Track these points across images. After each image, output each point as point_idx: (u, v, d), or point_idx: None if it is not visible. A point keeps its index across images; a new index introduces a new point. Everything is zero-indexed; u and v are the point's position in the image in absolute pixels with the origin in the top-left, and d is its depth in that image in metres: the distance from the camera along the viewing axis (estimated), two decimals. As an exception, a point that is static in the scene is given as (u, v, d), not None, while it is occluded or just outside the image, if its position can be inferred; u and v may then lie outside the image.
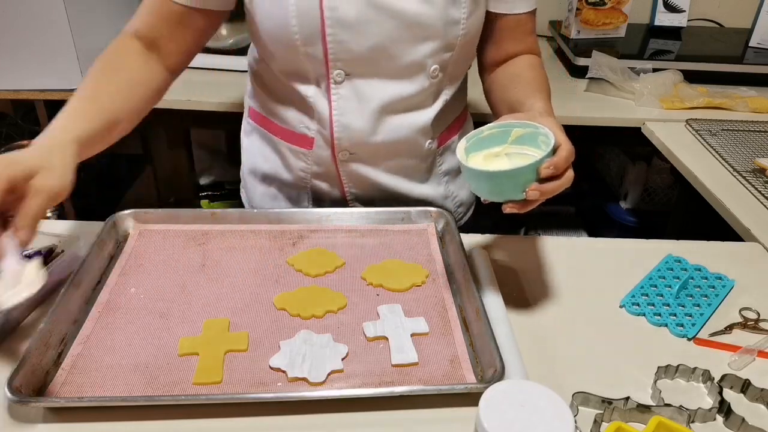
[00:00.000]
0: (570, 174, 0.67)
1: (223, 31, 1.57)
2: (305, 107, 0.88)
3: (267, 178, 1.00)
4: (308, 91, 0.86)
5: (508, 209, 0.68)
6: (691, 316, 0.77)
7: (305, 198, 0.97)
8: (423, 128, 0.90)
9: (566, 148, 0.66)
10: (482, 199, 0.70)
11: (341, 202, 0.96)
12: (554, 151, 0.65)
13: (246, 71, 0.99)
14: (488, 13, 0.87)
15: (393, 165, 0.92)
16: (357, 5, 0.78)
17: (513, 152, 0.70)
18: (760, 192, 1.06)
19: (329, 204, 0.96)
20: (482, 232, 0.94)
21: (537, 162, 0.64)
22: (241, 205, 1.09)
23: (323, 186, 0.95)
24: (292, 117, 0.91)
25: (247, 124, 1.03)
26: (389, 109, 0.86)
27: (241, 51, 1.52)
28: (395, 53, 0.82)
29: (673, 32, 1.84)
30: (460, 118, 0.99)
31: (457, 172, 1.00)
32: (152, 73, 0.86)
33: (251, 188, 1.04)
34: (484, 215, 1.10)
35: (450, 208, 1.00)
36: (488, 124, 0.70)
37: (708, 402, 0.66)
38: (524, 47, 0.92)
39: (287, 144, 0.93)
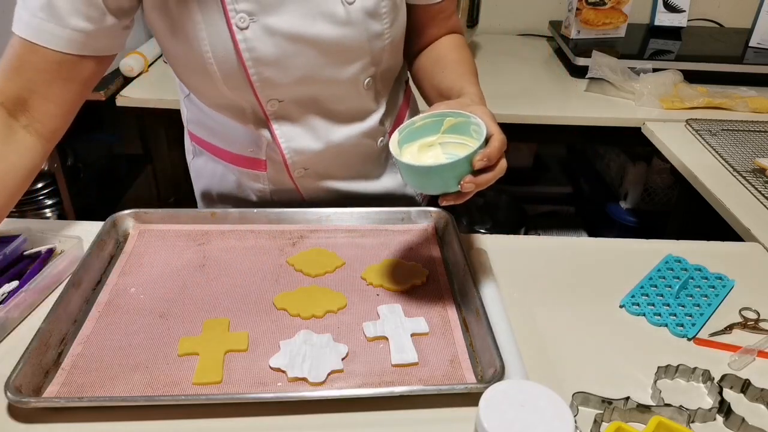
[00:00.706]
0: (503, 164, 0.66)
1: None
2: (249, 136, 0.86)
3: (224, 199, 0.97)
4: (247, 123, 0.84)
5: (444, 202, 0.67)
6: (691, 316, 0.77)
7: None
8: (372, 131, 0.89)
9: (498, 139, 0.65)
10: (417, 193, 0.70)
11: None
12: (486, 141, 0.65)
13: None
14: (409, 6, 0.84)
15: (349, 171, 0.92)
16: (275, 42, 0.74)
17: (447, 141, 0.70)
18: (760, 192, 1.06)
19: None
20: (482, 232, 0.94)
21: (470, 155, 0.63)
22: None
23: (285, 201, 0.94)
24: (238, 144, 0.88)
25: (191, 146, 0.99)
26: (334, 126, 0.86)
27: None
28: (324, 79, 0.79)
29: (673, 32, 1.84)
30: (402, 108, 0.98)
31: None
32: (16, 157, 0.72)
33: None
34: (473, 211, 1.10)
35: (412, 194, 1.00)
36: (421, 114, 0.70)
37: (708, 402, 0.66)
38: (446, 30, 0.90)
39: (239, 168, 0.91)
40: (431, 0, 0.85)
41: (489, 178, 0.65)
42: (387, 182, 0.97)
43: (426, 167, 0.65)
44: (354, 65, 0.80)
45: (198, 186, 1.01)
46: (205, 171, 0.98)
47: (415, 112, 1.02)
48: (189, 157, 1.01)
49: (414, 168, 0.66)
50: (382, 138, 0.92)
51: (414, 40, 0.90)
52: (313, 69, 0.78)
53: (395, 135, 0.68)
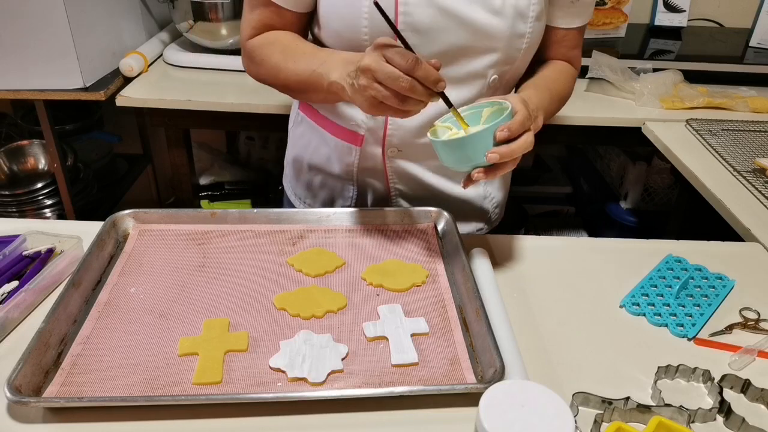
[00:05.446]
0: (527, 138, 0.70)
1: (223, 30, 1.57)
2: None
3: (313, 169, 1.01)
4: None
5: (476, 175, 0.70)
6: (691, 316, 0.77)
7: (350, 190, 0.99)
8: None
9: (521, 114, 0.70)
10: (494, 206, 0.72)
11: (385, 197, 0.97)
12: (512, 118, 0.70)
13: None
14: None
15: (438, 164, 0.93)
16: (431, 12, 0.79)
17: None
18: (760, 192, 1.06)
19: (373, 198, 0.98)
20: (482, 233, 0.94)
21: (492, 126, 0.68)
22: (249, 205, 1.08)
23: (369, 181, 0.96)
24: (346, 114, 0.92)
25: (296, 114, 1.04)
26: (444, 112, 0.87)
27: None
28: (460, 61, 0.83)
29: (673, 32, 1.84)
30: None
31: None
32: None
33: (294, 177, 1.07)
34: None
35: (488, 208, 1.01)
36: (462, 108, 0.75)
37: (708, 402, 0.66)
38: (562, 58, 0.93)
39: (336, 139, 0.94)
40: (559, 24, 0.89)
41: (512, 150, 0.69)
42: (469, 190, 0.98)
43: (454, 140, 0.71)
44: (489, 56, 0.83)
45: (291, 153, 1.07)
46: (301, 141, 1.02)
47: None
48: (290, 124, 1.07)
49: (443, 143, 0.71)
50: None
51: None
52: (453, 48, 0.82)
53: (436, 124, 0.75)
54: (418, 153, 0.92)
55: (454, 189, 0.97)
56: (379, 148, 0.91)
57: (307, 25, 0.91)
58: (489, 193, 1.01)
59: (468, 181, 0.72)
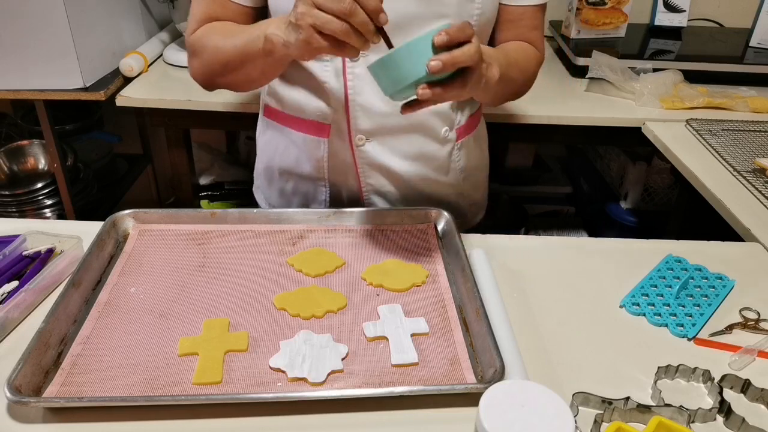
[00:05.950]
0: (471, 47, 0.66)
1: (223, 31, 1.57)
2: (321, 92, 0.89)
3: (284, 174, 1.00)
4: (324, 73, 0.87)
5: (421, 91, 0.66)
6: (691, 316, 0.77)
7: (322, 193, 0.98)
8: (440, 111, 0.90)
9: (461, 23, 0.66)
10: (400, 107, 0.70)
11: (357, 197, 0.97)
12: None
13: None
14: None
15: (409, 150, 0.93)
16: None
17: None
18: (760, 192, 1.06)
19: (345, 200, 0.97)
20: (482, 232, 0.94)
21: (430, 33, 0.64)
22: (250, 206, 1.09)
23: (341, 179, 0.95)
24: (309, 106, 0.91)
25: (262, 122, 1.04)
26: None
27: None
28: (411, 30, 0.82)
29: (673, 32, 1.84)
30: (475, 116, 1.00)
31: (472, 169, 1.00)
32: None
33: (266, 187, 1.06)
34: (488, 216, 1.10)
35: (464, 207, 1.00)
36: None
37: (708, 402, 0.66)
38: (523, 39, 0.92)
39: (304, 135, 0.94)
40: (513, 1, 0.88)
41: (453, 58, 0.65)
42: (443, 185, 0.98)
43: (390, 55, 0.65)
44: (441, 22, 0.80)
45: (260, 163, 1.06)
46: (269, 147, 1.02)
47: (483, 129, 1.05)
48: (257, 135, 1.06)
49: (379, 62, 0.66)
50: (446, 128, 0.93)
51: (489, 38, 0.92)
52: (402, 17, 0.80)
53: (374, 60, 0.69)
54: (387, 137, 0.91)
55: (428, 183, 0.96)
56: (347, 137, 0.91)
57: (253, 21, 0.88)
58: (465, 190, 1.01)
59: (408, 107, 0.68)
